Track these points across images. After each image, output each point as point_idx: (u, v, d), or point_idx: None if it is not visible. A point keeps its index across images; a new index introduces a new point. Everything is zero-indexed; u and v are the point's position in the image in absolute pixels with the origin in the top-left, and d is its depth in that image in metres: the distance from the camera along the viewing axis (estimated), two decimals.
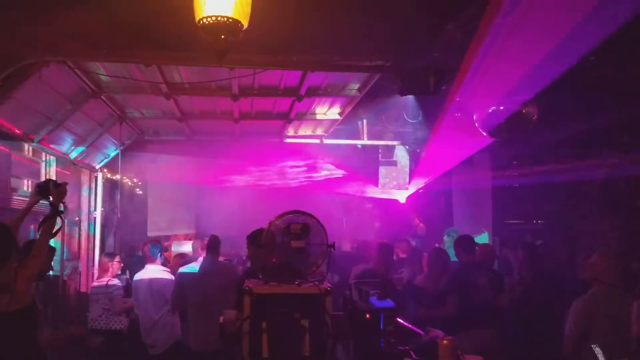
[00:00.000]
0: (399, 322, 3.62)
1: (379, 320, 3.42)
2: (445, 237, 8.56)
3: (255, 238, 4.67)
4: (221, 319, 3.90)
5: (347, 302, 3.81)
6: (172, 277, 6.41)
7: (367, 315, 3.45)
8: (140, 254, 8.18)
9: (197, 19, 2.98)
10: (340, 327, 3.28)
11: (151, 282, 6.43)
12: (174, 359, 6.34)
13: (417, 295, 6.07)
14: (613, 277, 4.26)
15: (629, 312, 3.83)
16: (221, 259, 6.50)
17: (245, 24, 3.04)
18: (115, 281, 6.61)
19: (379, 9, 4.19)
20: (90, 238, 8.69)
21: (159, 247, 6.83)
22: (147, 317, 6.41)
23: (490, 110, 5.86)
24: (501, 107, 5.94)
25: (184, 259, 7.31)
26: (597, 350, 3.93)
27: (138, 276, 6.55)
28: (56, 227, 3.92)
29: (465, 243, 5.96)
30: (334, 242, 3.62)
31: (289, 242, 3.36)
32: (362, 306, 3.56)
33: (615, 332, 4.06)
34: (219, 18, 2.93)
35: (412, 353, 3.46)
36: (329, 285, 3.31)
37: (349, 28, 4.43)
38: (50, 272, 5.83)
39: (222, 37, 2.99)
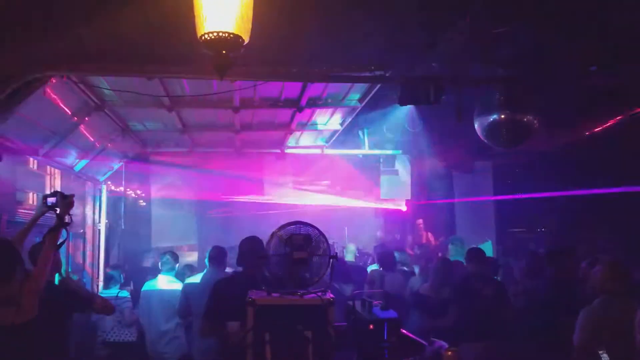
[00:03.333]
0: (403, 332, 3.63)
1: (382, 330, 3.43)
2: (449, 246, 8.56)
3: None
4: (224, 331, 3.93)
5: (350, 313, 3.82)
6: None
7: (371, 326, 3.47)
8: (145, 264, 8.20)
9: (198, 34, 3.02)
10: (343, 338, 3.29)
11: (163, 292, 6.39)
12: None
13: (421, 304, 6.08)
14: (618, 286, 4.27)
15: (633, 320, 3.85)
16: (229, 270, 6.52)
17: (246, 39, 3.08)
18: (124, 293, 6.60)
19: (377, 20, 4.23)
20: (95, 250, 8.72)
21: (175, 257, 6.81)
22: (154, 328, 6.34)
23: (490, 119, 5.87)
24: (502, 115, 5.94)
25: (190, 270, 7.32)
26: (605, 357, 3.94)
27: (149, 285, 6.51)
28: (61, 239, 3.95)
29: (477, 255, 6.01)
30: (336, 253, 3.65)
31: (291, 253, 3.38)
32: (366, 317, 3.57)
33: (622, 340, 4.07)
34: (221, 34, 2.98)
35: None
36: (332, 296, 3.33)
37: (348, 39, 4.47)
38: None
39: (224, 52, 3.03)
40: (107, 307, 4.72)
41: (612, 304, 4.26)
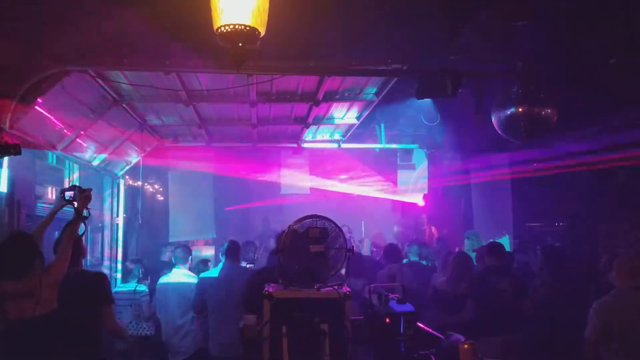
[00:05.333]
0: (419, 326, 3.61)
1: (398, 324, 3.42)
2: (466, 240, 8.50)
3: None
4: (241, 324, 3.94)
5: (366, 306, 3.81)
6: None
7: (387, 320, 3.45)
8: (164, 259, 8.26)
9: (215, 27, 3.03)
10: (360, 331, 3.29)
11: (178, 286, 6.43)
12: None
13: (438, 298, 6.06)
14: (630, 280, 4.23)
15: None
16: (244, 264, 6.55)
17: (263, 32, 3.08)
18: (142, 287, 6.66)
19: (394, 13, 4.20)
20: (113, 244, 8.80)
21: (188, 251, 6.85)
22: (171, 321, 6.40)
23: (508, 112, 5.80)
24: (520, 109, 5.87)
25: (205, 264, 7.36)
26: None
27: (164, 279, 6.55)
28: (80, 232, 3.99)
29: (497, 250, 5.97)
30: (352, 246, 3.63)
31: (307, 247, 3.38)
32: (382, 310, 3.56)
33: (635, 334, 4.03)
34: (237, 26, 2.98)
35: (432, 357, 3.45)
36: (348, 289, 3.33)
37: (365, 32, 4.45)
38: None
39: (240, 44, 3.03)
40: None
41: (626, 296, 4.22)
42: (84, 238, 4.59)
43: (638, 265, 4.31)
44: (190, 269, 6.79)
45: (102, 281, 4.55)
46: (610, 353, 4.13)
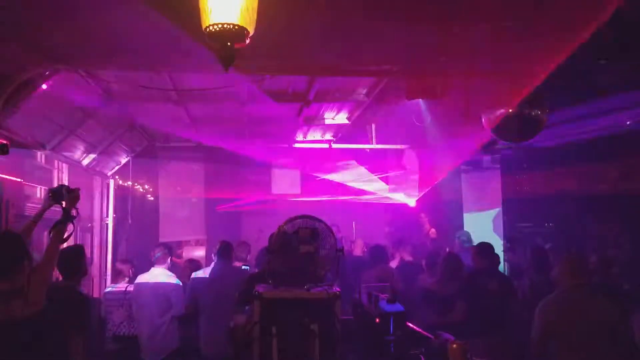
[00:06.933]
0: (409, 326, 3.62)
1: (388, 324, 3.43)
2: (456, 241, 8.52)
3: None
4: (231, 324, 3.94)
5: (356, 307, 3.82)
6: (179, 283, 6.28)
7: (377, 320, 3.46)
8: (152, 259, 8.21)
9: (203, 26, 3.01)
10: (350, 331, 3.29)
11: (156, 286, 6.26)
12: None
13: (428, 299, 6.07)
14: (575, 277, 4.26)
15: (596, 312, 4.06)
16: (238, 264, 6.51)
17: (252, 31, 3.07)
18: (132, 287, 6.58)
19: (385, 13, 4.20)
20: (103, 244, 8.76)
21: (167, 250, 6.76)
22: (148, 322, 6.20)
23: (499, 113, 5.83)
24: (510, 110, 5.89)
25: (194, 264, 7.31)
26: None
27: (141, 279, 6.37)
28: (67, 233, 3.96)
29: (486, 250, 5.97)
30: (342, 247, 3.64)
31: (298, 247, 3.38)
32: (372, 310, 3.57)
33: (581, 332, 4.06)
34: (225, 25, 2.96)
35: (422, 357, 3.46)
36: (338, 289, 3.33)
37: (356, 33, 4.43)
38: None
39: (229, 44, 3.02)
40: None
41: (567, 295, 4.26)
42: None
43: (574, 265, 4.35)
44: (170, 269, 6.66)
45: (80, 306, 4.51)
46: (554, 352, 4.16)
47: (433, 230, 9.69)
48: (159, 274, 6.35)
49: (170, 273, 6.45)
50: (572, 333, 4.08)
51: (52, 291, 3.94)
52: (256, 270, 5.83)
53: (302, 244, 3.40)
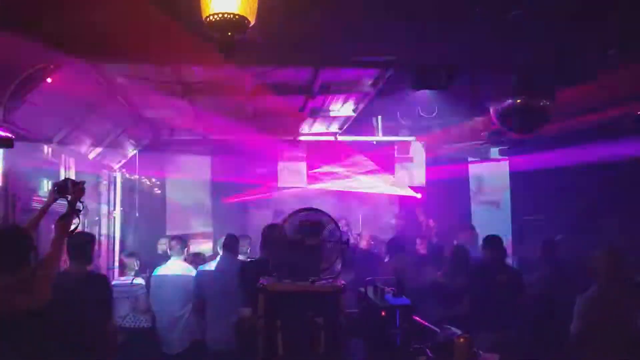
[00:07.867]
0: (415, 319, 3.60)
1: (394, 317, 3.41)
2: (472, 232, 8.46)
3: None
4: (237, 317, 3.94)
5: (362, 300, 3.80)
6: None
7: (383, 313, 3.44)
8: (160, 252, 8.24)
9: (204, 16, 2.99)
10: (355, 324, 3.28)
11: (176, 278, 6.38)
12: (193, 358, 6.33)
13: (436, 292, 6.05)
14: (612, 273, 4.21)
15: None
16: (241, 257, 6.52)
17: (252, 21, 3.05)
18: (139, 280, 6.62)
19: (390, 4, 4.16)
20: (110, 238, 8.78)
21: (184, 242, 6.81)
22: (168, 314, 6.35)
23: (506, 104, 5.77)
24: (518, 100, 5.83)
25: (200, 257, 7.32)
26: None
27: (161, 271, 6.48)
28: (73, 226, 3.96)
29: (494, 242, 5.92)
30: (347, 239, 3.62)
31: (302, 240, 3.37)
32: (378, 303, 3.55)
33: (619, 327, 4.01)
34: (226, 15, 2.94)
35: (428, 351, 3.44)
36: (342, 282, 3.31)
37: (360, 24, 4.40)
38: None
39: (229, 34, 3.00)
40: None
41: (605, 291, 4.20)
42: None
43: (616, 258, 4.29)
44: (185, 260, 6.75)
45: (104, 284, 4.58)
46: (595, 347, 4.11)
47: (431, 221, 9.64)
48: (178, 266, 6.42)
49: (187, 265, 6.52)
50: (613, 330, 4.04)
51: (63, 277, 3.97)
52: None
53: (307, 236, 3.39)
